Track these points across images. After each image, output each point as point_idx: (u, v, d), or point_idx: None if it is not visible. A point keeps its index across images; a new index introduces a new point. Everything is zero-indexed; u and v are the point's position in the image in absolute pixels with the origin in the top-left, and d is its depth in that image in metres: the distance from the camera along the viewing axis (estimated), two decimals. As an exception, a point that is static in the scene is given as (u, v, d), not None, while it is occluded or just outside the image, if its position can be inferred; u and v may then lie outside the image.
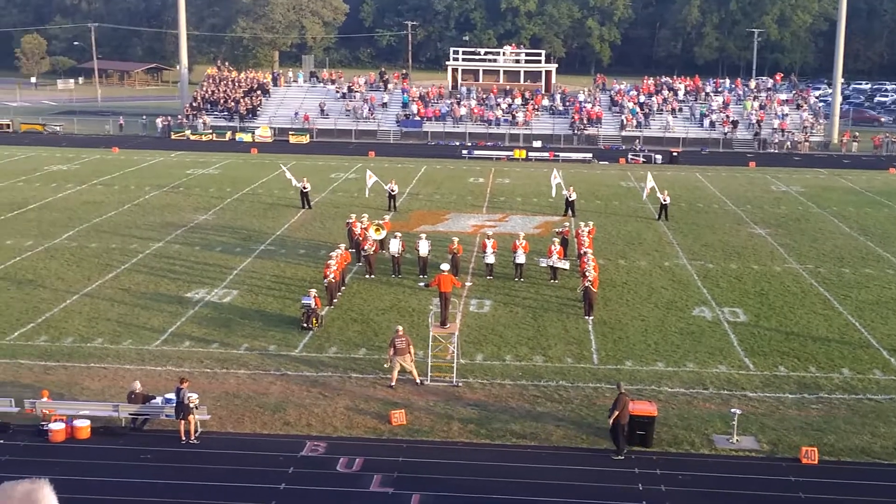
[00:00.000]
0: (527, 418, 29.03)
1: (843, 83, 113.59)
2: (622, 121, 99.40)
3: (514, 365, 33.52)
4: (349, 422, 28.57)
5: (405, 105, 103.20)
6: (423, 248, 44.50)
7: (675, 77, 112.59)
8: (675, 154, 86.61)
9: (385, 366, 32.35)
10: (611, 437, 26.97)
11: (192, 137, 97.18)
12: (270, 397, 30.29)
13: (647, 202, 63.06)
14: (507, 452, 26.83)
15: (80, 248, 49.08)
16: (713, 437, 27.80)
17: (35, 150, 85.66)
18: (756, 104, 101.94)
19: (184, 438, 27.08)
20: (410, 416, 28.79)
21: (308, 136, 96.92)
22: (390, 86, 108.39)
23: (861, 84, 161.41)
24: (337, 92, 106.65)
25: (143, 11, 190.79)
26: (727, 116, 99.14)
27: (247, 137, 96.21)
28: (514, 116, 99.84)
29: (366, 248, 44.78)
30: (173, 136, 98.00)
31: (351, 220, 49.29)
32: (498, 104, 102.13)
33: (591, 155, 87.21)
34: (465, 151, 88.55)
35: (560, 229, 49.90)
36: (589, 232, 47.02)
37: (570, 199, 59.48)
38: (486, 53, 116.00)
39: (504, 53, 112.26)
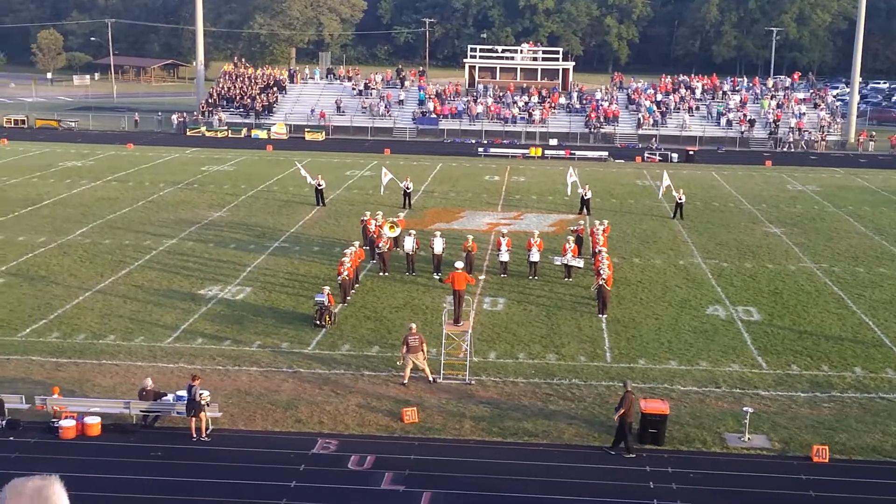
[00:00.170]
0: (539, 416, 28.96)
1: (861, 82, 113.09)
2: (639, 119, 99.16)
3: (527, 363, 33.45)
4: (361, 419, 28.54)
5: (422, 102, 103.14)
6: (438, 245, 44.43)
7: (692, 75, 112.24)
8: (691, 153, 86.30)
9: (398, 363, 32.31)
10: (615, 434, 26.90)
11: (208, 134, 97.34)
12: (282, 395, 30.29)
13: (662, 201, 62.92)
14: (519, 450, 26.78)
15: (93, 244, 49.18)
16: (725, 436, 27.73)
17: (50, 146, 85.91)
18: (773, 103, 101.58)
19: (195, 436, 27.08)
20: (422, 414, 28.75)
21: (324, 133, 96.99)
22: (407, 83, 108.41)
23: (879, 83, 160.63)
24: (353, 89, 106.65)
25: (161, 7, 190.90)
26: (744, 115, 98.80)
27: (262, 134, 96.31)
28: (530, 114, 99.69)
29: (380, 245, 44.78)
30: (188, 133, 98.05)
31: (365, 218, 49.22)
32: (515, 102, 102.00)
33: (607, 153, 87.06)
34: (480, 149, 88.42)
35: (575, 227, 49.77)
36: (604, 230, 46.95)
37: (586, 198, 59.37)
38: (503, 51, 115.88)
39: (521, 51, 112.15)
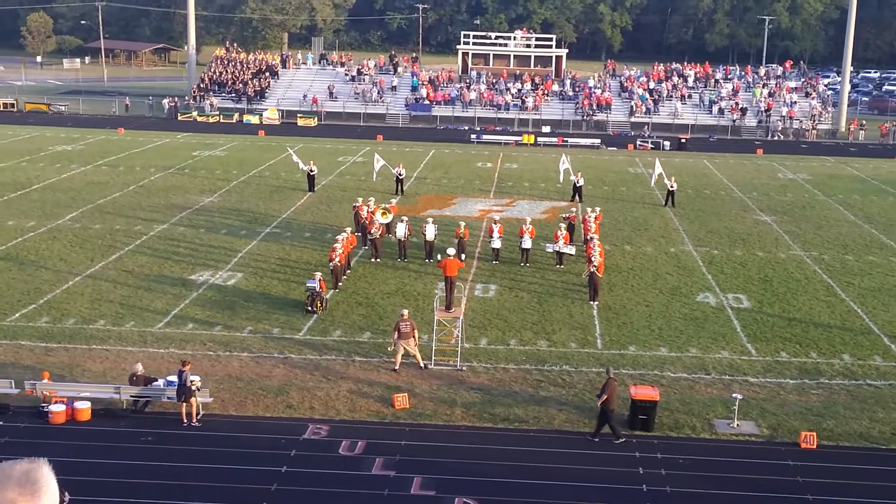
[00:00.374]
0: (530, 402, 29.03)
1: (852, 71, 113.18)
2: (631, 107, 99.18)
3: (519, 349, 33.51)
4: (352, 405, 28.58)
5: (414, 89, 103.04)
6: (430, 232, 44.46)
7: (685, 64, 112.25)
8: (683, 141, 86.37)
9: (389, 349, 32.35)
10: (597, 421, 26.98)
11: (199, 119, 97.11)
12: (273, 380, 30.30)
13: (654, 188, 62.97)
14: (509, 436, 26.85)
15: (83, 229, 49.09)
16: (714, 422, 27.85)
17: (39, 130, 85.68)
18: (765, 92, 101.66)
19: (185, 421, 27.06)
20: (413, 400, 28.80)
21: (316, 118, 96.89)
22: (400, 69, 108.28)
23: (870, 72, 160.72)
24: (346, 75, 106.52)
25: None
26: (736, 104, 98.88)
27: (254, 120, 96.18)
28: (523, 101, 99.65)
29: (372, 231, 44.76)
30: (180, 118, 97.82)
31: (357, 204, 49.21)
32: (508, 89, 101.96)
33: (599, 141, 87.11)
34: (473, 136, 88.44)
35: (567, 214, 49.83)
36: (595, 217, 46.97)
37: (578, 185, 59.45)
38: (496, 38, 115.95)
39: (515, 38, 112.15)
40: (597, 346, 34.06)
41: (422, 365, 31.52)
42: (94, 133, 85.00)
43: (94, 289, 39.21)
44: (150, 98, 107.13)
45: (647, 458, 25.60)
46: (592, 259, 39.20)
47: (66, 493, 4.79)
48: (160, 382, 28.47)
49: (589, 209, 49.52)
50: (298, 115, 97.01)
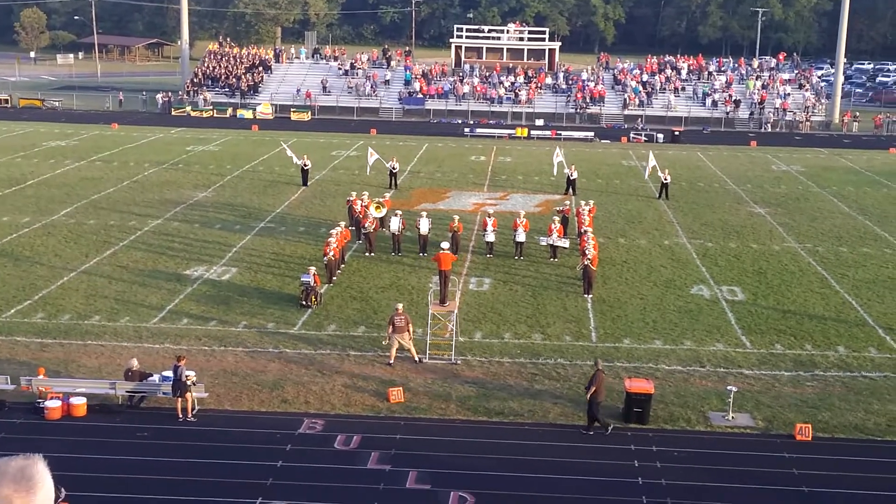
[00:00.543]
0: (524, 396, 29.07)
1: (845, 63, 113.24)
2: (625, 100, 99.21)
3: (513, 343, 33.54)
4: (347, 399, 28.59)
5: (408, 82, 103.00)
6: (424, 226, 44.47)
7: (678, 56, 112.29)
8: (676, 133, 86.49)
9: (384, 343, 32.35)
10: (586, 413, 27.03)
11: (193, 114, 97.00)
12: (268, 375, 30.31)
13: (648, 181, 63.00)
14: (504, 430, 26.87)
15: (78, 224, 49.04)
16: (709, 414, 27.90)
17: (33, 126, 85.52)
18: (759, 84, 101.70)
19: (181, 416, 27.08)
20: (408, 394, 28.82)
21: (309, 113, 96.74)
22: (393, 63, 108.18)
23: (864, 64, 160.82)
24: (339, 69, 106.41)
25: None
26: (729, 96, 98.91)
27: (248, 114, 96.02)
28: (516, 94, 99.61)
29: (366, 225, 44.76)
30: (173, 113, 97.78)
31: (351, 198, 49.24)
32: (501, 82, 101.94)
33: (592, 134, 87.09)
34: (467, 129, 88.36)
35: (561, 208, 49.86)
36: (589, 210, 46.98)
37: (572, 178, 59.47)
38: (489, 31, 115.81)
39: (508, 31, 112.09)
40: (591, 340, 34.10)
41: (416, 359, 31.54)
42: (88, 128, 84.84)
43: (89, 284, 39.18)
44: (144, 93, 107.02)
45: (642, 450, 25.64)
46: (587, 252, 39.21)
47: (62, 489, 4.80)
48: (155, 378, 28.46)
49: (583, 202, 49.57)
50: (292, 109, 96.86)
